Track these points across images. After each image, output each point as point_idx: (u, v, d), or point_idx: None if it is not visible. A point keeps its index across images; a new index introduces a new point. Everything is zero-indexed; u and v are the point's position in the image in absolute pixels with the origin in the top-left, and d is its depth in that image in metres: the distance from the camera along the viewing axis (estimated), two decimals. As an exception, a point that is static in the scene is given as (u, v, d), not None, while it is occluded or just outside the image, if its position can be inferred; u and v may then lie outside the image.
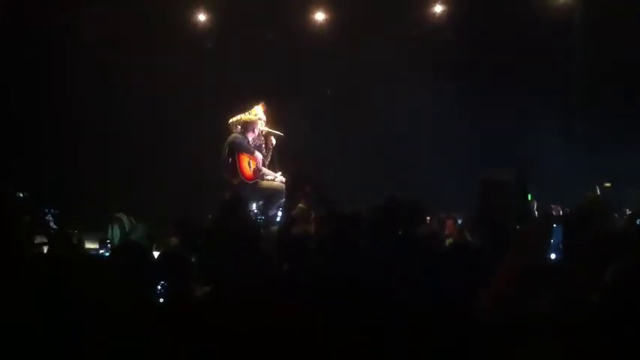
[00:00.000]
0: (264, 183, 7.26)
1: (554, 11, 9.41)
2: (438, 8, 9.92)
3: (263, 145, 7.53)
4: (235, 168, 7.12)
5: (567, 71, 9.88)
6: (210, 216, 6.21)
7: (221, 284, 3.04)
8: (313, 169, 5.63)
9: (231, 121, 7.43)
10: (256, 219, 6.54)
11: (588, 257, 2.90)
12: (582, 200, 3.95)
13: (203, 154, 8.15)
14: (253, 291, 2.79)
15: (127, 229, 6.34)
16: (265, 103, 7.56)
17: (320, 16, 10.04)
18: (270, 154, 7.54)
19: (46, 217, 4.19)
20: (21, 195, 6.96)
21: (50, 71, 9.37)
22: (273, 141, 7.52)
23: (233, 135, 7.28)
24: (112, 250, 4.31)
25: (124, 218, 6.41)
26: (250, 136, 7.35)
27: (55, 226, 4.23)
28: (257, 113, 7.46)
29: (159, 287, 2.84)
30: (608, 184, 8.31)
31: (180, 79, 9.21)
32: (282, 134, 7.54)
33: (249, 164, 7.20)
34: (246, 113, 7.44)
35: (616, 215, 6.17)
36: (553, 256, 3.02)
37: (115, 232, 6.30)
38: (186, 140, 9.43)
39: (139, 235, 5.64)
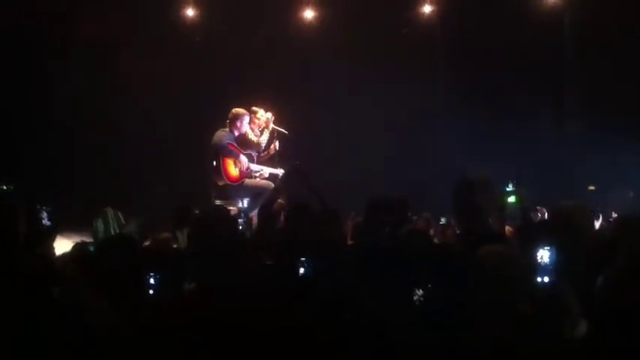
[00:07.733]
0: (250, 182, 7.17)
1: (545, 15, 9.47)
2: (427, 8, 9.95)
3: (264, 141, 7.43)
4: (219, 171, 7.04)
5: (557, 73, 9.93)
6: (196, 211, 6.14)
7: (205, 281, 3.01)
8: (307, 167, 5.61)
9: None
10: (241, 218, 6.47)
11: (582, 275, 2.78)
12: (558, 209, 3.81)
13: (200, 153, 8.02)
14: (239, 289, 2.77)
15: (111, 223, 6.22)
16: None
17: (309, 14, 10.03)
18: (273, 153, 7.45)
19: (40, 214, 4.00)
20: (4, 187, 6.85)
21: (43, 69, 9.24)
22: (277, 145, 7.42)
23: (217, 135, 7.14)
24: (99, 244, 4.22)
25: (110, 213, 6.30)
26: (236, 132, 7.20)
27: (48, 222, 4.05)
28: (258, 111, 7.40)
29: (151, 280, 2.81)
30: (592, 187, 8.35)
31: (176, 77, 9.19)
32: (286, 132, 7.47)
33: (234, 166, 7.11)
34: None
35: (598, 218, 6.20)
36: (546, 279, 2.85)
37: (99, 227, 6.18)
38: (181, 138, 9.35)
39: (129, 230, 5.55)
